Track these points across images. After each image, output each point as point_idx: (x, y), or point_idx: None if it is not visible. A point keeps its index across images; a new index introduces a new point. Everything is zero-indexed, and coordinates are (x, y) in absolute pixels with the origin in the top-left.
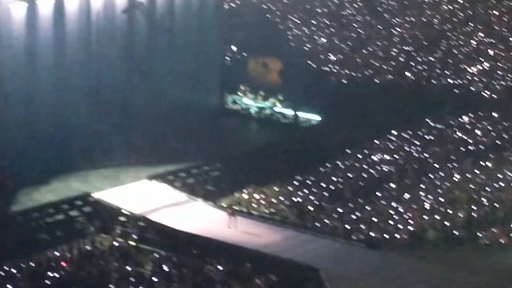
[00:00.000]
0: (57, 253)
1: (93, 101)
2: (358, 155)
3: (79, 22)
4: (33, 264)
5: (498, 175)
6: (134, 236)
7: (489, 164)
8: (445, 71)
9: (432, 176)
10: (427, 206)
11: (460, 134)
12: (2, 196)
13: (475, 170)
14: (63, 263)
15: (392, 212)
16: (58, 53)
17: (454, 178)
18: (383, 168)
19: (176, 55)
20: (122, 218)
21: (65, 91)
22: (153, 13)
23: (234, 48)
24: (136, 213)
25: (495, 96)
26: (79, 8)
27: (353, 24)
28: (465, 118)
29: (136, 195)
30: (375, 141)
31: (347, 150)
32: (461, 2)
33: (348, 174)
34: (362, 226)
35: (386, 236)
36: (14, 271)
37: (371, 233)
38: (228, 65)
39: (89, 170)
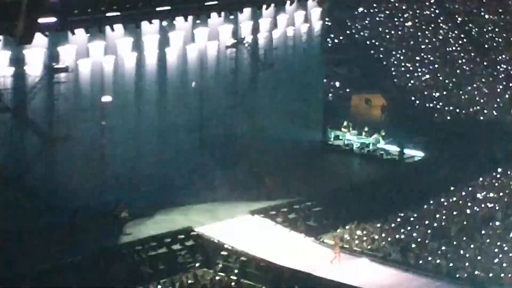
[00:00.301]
0: (159, 286)
1: (196, 137)
2: (462, 193)
3: (182, 58)
4: None
5: None
6: (236, 271)
7: None
8: None
9: None
10: None
11: None
12: (109, 228)
13: None
14: None
15: (497, 251)
16: (161, 90)
17: None
18: (488, 206)
19: (279, 90)
20: (224, 253)
21: (169, 127)
22: (257, 49)
23: (337, 84)
24: (238, 248)
25: None
26: (182, 44)
27: (458, 60)
28: None
29: (238, 229)
30: (480, 178)
31: (451, 187)
32: None
33: (452, 212)
34: (467, 264)
35: (491, 274)
36: None
37: (475, 272)
38: (331, 101)
39: (191, 204)
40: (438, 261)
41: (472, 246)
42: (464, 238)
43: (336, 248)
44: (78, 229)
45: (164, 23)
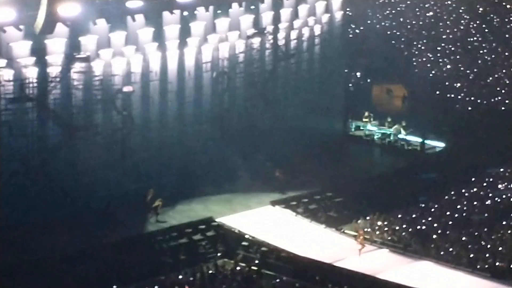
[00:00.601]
0: (180, 276)
1: (218, 127)
2: (484, 183)
3: (203, 48)
4: (157, 287)
5: None
6: (257, 261)
7: None
8: None
9: None
10: None
11: None
12: (131, 217)
13: None
14: (186, 287)
15: None
16: (182, 80)
17: None
18: (509, 196)
19: (300, 81)
20: (244, 243)
21: (192, 118)
22: (277, 39)
23: (358, 74)
24: (258, 238)
25: None
26: (203, 34)
27: (479, 51)
28: None
29: (259, 220)
30: (501, 168)
31: (472, 178)
32: None
33: (473, 202)
34: (487, 255)
35: None
36: None
37: (496, 263)
38: (352, 91)
39: (213, 195)
40: (459, 251)
41: (493, 236)
42: (485, 229)
43: (360, 238)
44: (109, 217)
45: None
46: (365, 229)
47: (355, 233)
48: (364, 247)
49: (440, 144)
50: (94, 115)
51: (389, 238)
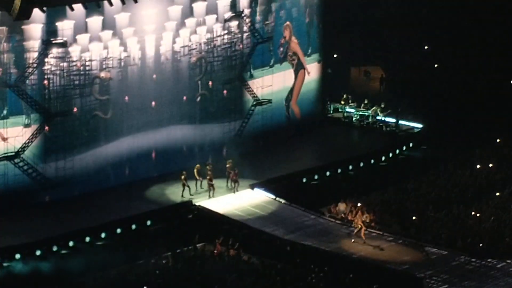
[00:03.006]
0: (164, 261)
1: (196, 110)
2: (462, 163)
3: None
4: (137, 272)
5: None
6: (237, 244)
7: None
8: None
9: None
10: None
11: None
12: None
13: None
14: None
15: (497, 221)
16: (161, 65)
17: None
18: (488, 177)
19: (276, 63)
20: (225, 226)
21: (170, 102)
22: (255, 22)
23: (335, 55)
24: (239, 221)
25: None
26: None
27: (456, 33)
28: None
29: (238, 203)
30: (479, 149)
31: (450, 159)
32: None
33: (452, 183)
34: (466, 235)
35: (490, 245)
36: None
37: (475, 242)
38: (330, 73)
39: (192, 178)
40: (438, 231)
41: (472, 216)
42: (464, 209)
43: (357, 220)
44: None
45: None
46: (344, 210)
47: (346, 214)
48: (363, 228)
49: (417, 125)
50: (72, 100)
51: (368, 219)
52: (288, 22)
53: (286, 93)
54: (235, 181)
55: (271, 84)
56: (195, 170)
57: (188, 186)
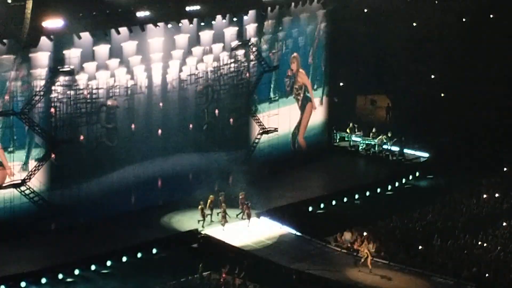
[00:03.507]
0: None
1: (203, 138)
2: (468, 193)
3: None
4: None
5: None
6: (243, 273)
7: None
8: None
9: None
10: None
11: None
12: (118, 231)
13: None
14: None
15: (504, 251)
16: (168, 93)
17: None
18: (494, 206)
19: (282, 97)
20: (231, 254)
21: (176, 130)
22: (261, 51)
23: (341, 84)
24: (245, 250)
25: None
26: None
27: (464, 63)
28: None
29: (245, 232)
30: (486, 178)
31: (456, 188)
32: None
33: (458, 212)
34: (472, 264)
35: (497, 275)
36: None
37: (481, 272)
38: (336, 102)
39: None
40: (445, 261)
41: (478, 246)
42: (471, 238)
43: (363, 249)
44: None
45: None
46: (350, 239)
47: (352, 243)
48: (370, 257)
49: (424, 154)
50: (79, 128)
51: (374, 248)
52: (295, 54)
53: (293, 123)
54: (248, 214)
55: (277, 113)
56: (209, 201)
57: (204, 217)
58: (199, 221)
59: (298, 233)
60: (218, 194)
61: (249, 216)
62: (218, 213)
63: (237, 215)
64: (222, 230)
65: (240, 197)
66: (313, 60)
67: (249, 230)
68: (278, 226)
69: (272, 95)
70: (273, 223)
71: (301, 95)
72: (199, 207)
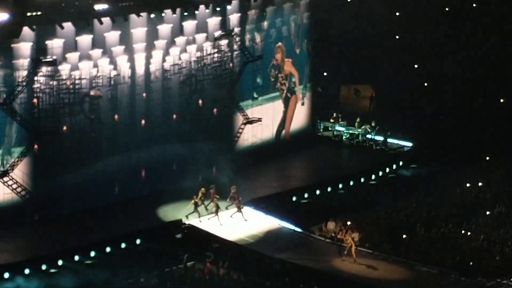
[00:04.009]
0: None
1: (186, 128)
2: (452, 182)
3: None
4: None
5: None
6: (227, 263)
7: None
8: None
9: None
10: None
11: None
12: (101, 222)
13: None
14: None
15: (487, 240)
16: (151, 83)
17: None
18: (477, 195)
19: (266, 81)
20: (215, 245)
21: (160, 120)
22: (244, 41)
23: (325, 74)
24: (229, 240)
25: None
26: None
27: (446, 52)
28: None
29: (228, 222)
30: (469, 167)
31: (439, 177)
32: None
33: (441, 201)
34: (456, 253)
35: (480, 264)
36: None
37: (465, 261)
38: (320, 92)
39: (183, 197)
40: (428, 250)
41: (461, 235)
42: (454, 227)
43: (347, 239)
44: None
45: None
46: (334, 229)
47: (336, 233)
48: (354, 247)
49: (407, 144)
50: (62, 119)
51: (358, 238)
52: (280, 44)
53: (276, 119)
54: (239, 208)
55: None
56: (200, 194)
57: (197, 210)
58: (187, 216)
59: (282, 223)
60: (209, 186)
61: (240, 210)
62: (206, 206)
63: (226, 207)
64: (208, 220)
65: (232, 191)
66: (300, 51)
67: (233, 220)
68: (262, 216)
69: (255, 94)
70: (257, 213)
71: (286, 85)
72: (193, 201)
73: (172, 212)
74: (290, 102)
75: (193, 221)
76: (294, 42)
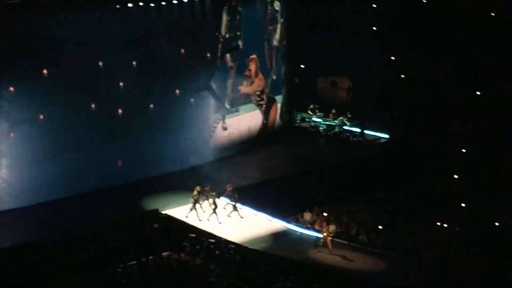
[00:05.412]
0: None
1: (162, 117)
2: (428, 174)
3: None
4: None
5: None
6: (204, 253)
7: None
8: None
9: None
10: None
11: None
12: (76, 211)
13: None
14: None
15: (464, 232)
16: (121, 60)
17: None
18: (454, 187)
19: (242, 72)
20: (191, 235)
21: (125, 102)
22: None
23: (302, 66)
24: (205, 230)
25: None
26: None
27: (424, 44)
28: None
29: (205, 212)
30: (446, 159)
31: (416, 168)
32: None
33: (418, 193)
34: (433, 245)
35: (457, 255)
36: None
37: (441, 251)
38: (297, 82)
39: (158, 187)
40: (404, 241)
41: (437, 226)
42: (430, 218)
43: (324, 229)
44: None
45: None
46: (310, 220)
47: (312, 224)
48: (330, 238)
49: (384, 135)
50: (38, 107)
51: (335, 229)
52: (254, 56)
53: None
54: (234, 206)
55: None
56: (195, 192)
57: (196, 209)
58: (186, 215)
59: (258, 214)
60: (203, 184)
61: (236, 208)
62: (195, 202)
63: (224, 207)
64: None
65: (228, 189)
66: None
67: (209, 210)
68: (238, 206)
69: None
70: (234, 203)
71: (264, 99)
72: (191, 199)
73: (148, 202)
74: (271, 112)
75: (170, 211)
76: (275, 35)
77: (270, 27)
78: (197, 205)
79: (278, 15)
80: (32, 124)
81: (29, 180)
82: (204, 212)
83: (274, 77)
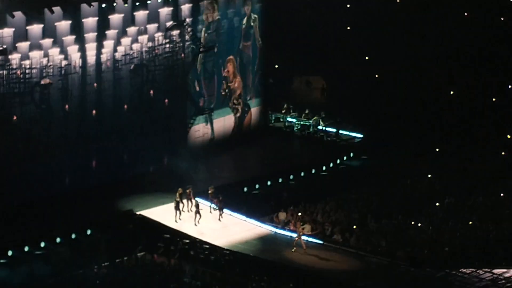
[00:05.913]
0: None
1: (141, 118)
2: (402, 173)
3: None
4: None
5: None
6: (178, 254)
7: None
8: None
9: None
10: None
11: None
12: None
13: None
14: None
15: (436, 231)
16: (102, 73)
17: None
18: (427, 187)
19: (219, 73)
20: (166, 235)
21: (111, 110)
22: (196, 31)
23: (277, 66)
24: (179, 231)
25: None
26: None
27: (399, 43)
28: None
29: (180, 213)
30: (419, 159)
31: (390, 168)
32: None
33: (392, 193)
34: (406, 244)
35: (430, 254)
36: None
37: (415, 252)
38: (272, 83)
39: (134, 188)
40: (379, 241)
41: (412, 226)
42: (404, 219)
43: (298, 229)
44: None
45: None
46: (285, 220)
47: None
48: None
49: (358, 135)
50: (12, 108)
51: (309, 229)
52: (231, 56)
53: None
54: (220, 208)
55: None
56: (177, 194)
57: (179, 210)
58: (176, 220)
59: (233, 214)
60: (185, 187)
61: (220, 210)
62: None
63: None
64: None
65: (210, 191)
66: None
67: (184, 211)
68: (213, 206)
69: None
70: (208, 204)
71: (241, 104)
72: (174, 201)
73: (123, 202)
74: (246, 118)
75: (144, 211)
76: (244, 34)
77: (245, 44)
78: (180, 207)
79: (253, 31)
80: (5, 125)
81: (2, 183)
82: (189, 212)
83: (253, 100)
